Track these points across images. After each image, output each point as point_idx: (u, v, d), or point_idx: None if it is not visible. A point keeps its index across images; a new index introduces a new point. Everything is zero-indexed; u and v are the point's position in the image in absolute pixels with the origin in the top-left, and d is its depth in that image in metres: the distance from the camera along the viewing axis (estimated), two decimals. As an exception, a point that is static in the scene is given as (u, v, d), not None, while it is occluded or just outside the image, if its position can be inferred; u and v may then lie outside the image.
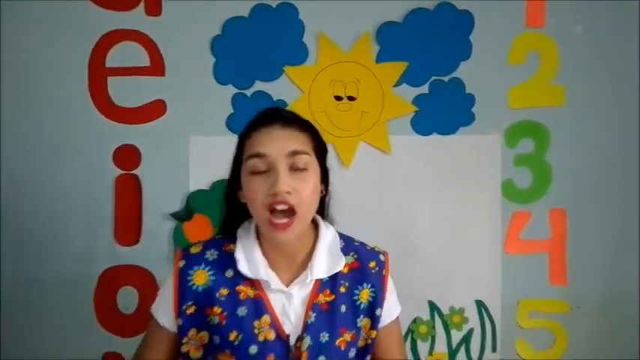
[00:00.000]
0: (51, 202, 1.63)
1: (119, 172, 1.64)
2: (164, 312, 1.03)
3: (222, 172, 1.57)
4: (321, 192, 1.04)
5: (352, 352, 1.04)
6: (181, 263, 1.03)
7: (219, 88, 1.64)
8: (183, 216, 1.64)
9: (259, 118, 1.02)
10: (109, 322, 1.64)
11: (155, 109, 1.64)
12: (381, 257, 1.10)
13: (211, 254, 1.04)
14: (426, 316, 1.71)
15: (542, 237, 1.72)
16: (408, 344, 1.70)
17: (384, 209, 1.69)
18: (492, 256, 1.71)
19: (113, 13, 1.62)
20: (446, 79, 1.68)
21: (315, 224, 1.07)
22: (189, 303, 1.00)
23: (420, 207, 1.70)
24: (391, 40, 1.67)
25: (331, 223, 1.11)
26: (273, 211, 0.94)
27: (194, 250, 1.05)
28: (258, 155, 0.96)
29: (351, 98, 1.68)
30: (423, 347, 1.71)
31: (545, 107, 1.70)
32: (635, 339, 1.71)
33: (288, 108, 1.59)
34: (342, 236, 1.10)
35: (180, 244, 1.62)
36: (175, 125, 1.64)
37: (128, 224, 1.64)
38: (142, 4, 1.62)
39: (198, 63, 1.64)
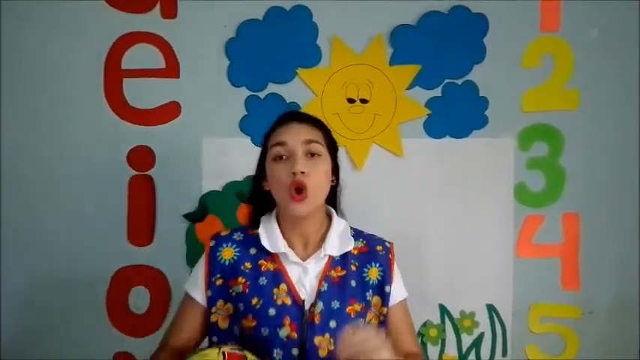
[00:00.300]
0: (64, 202, 1.64)
1: (133, 172, 1.65)
2: (196, 286, 1.18)
3: (235, 173, 1.61)
4: (332, 181, 1.20)
5: (361, 323, 1.15)
6: (212, 243, 1.20)
7: (233, 90, 1.65)
8: (196, 217, 1.65)
9: (280, 118, 1.21)
10: (120, 322, 1.65)
11: (169, 111, 1.65)
12: (387, 244, 1.25)
13: (238, 235, 1.21)
14: (436, 319, 1.71)
15: (554, 241, 1.71)
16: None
17: (395, 212, 1.69)
18: (504, 260, 1.71)
19: (129, 16, 1.63)
20: (459, 82, 1.68)
21: (328, 216, 1.22)
22: (217, 276, 1.16)
23: (431, 210, 1.70)
24: (405, 42, 1.67)
25: (343, 216, 1.25)
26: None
27: (223, 233, 1.22)
28: (280, 143, 1.14)
29: (363, 101, 1.68)
30: (433, 351, 1.70)
31: (559, 110, 1.69)
32: (648, 345, 1.70)
33: (301, 110, 1.62)
34: (352, 228, 1.24)
35: (193, 244, 1.63)
36: (189, 127, 1.65)
37: (141, 224, 1.65)
38: (157, 7, 1.64)
39: (212, 65, 1.65)
